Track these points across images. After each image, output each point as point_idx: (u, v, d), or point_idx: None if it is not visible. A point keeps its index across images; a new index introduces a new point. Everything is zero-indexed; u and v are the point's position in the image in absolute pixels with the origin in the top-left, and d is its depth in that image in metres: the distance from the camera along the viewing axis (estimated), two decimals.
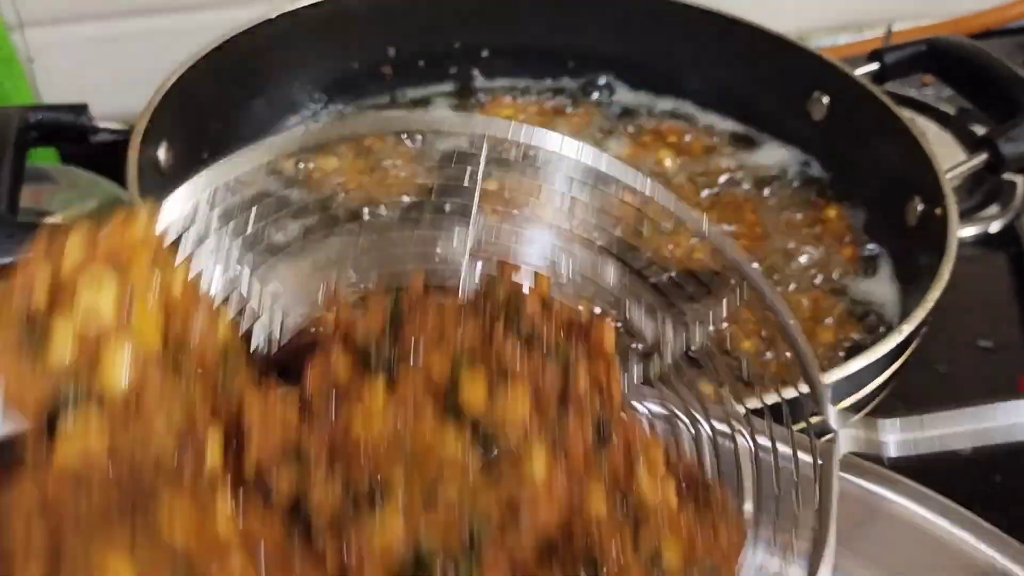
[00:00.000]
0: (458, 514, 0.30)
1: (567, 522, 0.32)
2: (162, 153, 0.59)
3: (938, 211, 0.58)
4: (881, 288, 0.63)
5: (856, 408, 0.53)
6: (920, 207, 0.62)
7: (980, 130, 0.70)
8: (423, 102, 0.75)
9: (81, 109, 0.58)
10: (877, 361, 0.50)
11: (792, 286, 0.63)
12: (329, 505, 0.31)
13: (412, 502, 0.30)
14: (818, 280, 0.63)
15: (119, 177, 0.64)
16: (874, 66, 0.70)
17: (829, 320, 0.60)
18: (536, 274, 0.37)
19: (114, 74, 0.77)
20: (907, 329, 0.50)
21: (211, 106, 0.65)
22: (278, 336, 0.36)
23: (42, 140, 0.56)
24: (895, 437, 0.35)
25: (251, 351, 0.35)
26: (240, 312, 0.35)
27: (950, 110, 0.82)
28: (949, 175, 0.60)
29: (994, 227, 0.71)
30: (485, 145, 0.37)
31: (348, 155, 0.67)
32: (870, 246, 0.66)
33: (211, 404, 0.31)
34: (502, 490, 0.31)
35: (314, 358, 0.34)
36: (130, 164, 0.54)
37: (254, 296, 0.36)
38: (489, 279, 0.37)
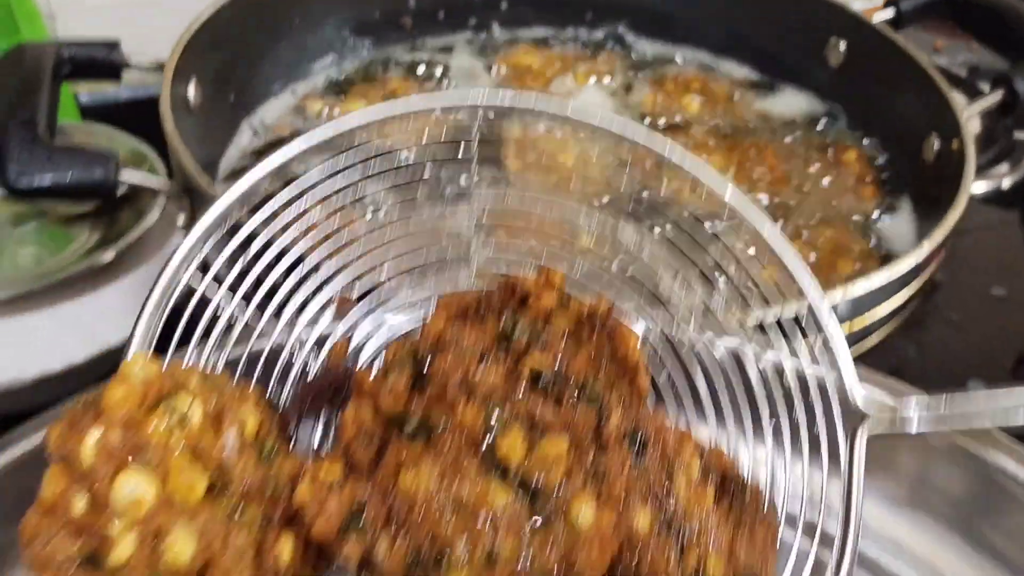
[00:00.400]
0: (517, 569, 0.32)
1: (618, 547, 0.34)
2: (191, 91, 0.62)
3: (955, 144, 0.61)
4: (900, 226, 0.66)
5: (873, 327, 0.56)
6: (937, 144, 0.65)
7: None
8: (445, 50, 0.78)
9: (113, 45, 0.61)
10: (897, 280, 0.53)
11: (813, 225, 0.65)
12: (396, 564, 0.33)
13: (473, 561, 0.32)
14: (838, 220, 0.66)
15: (139, 132, 0.67)
16: (889, 12, 0.72)
17: (849, 255, 0.63)
18: (548, 270, 0.38)
19: (135, 32, 0.80)
20: (928, 247, 0.53)
21: (237, 50, 0.67)
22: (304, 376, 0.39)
23: (76, 74, 0.59)
24: (919, 414, 0.37)
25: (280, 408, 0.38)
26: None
27: (962, 73, 0.85)
28: (966, 113, 0.63)
29: (1006, 183, 0.74)
30: (480, 114, 0.38)
31: (376, 100, 0.70)
32: (889, 186, 0.68)
33: (263, 506, 0.34)
34: (554, 541, 0.33)
35: (346, 410, 0.36)
36: (163, 98, 0.57)
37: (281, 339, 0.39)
38: (504, 298, 0.38)
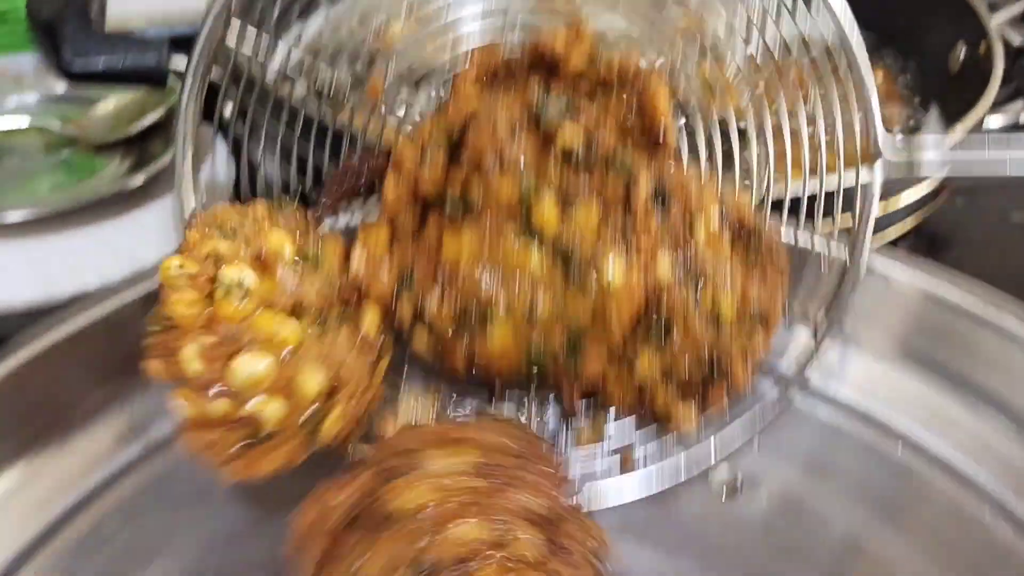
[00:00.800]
0: (555, 323, 0.37)
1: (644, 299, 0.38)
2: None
3: (982, 48, 0.65)
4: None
5: (897, 216, 0.59)
6: (963, 52, 0.68)
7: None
8: None
9: None
10: None
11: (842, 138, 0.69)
12: (445, 321, 0.38)
13: (515, 317, 0.37)
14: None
15: None
16: None
17: None
18: (579, 23, 0.39)
19: None
20: (961, 130, 0.57)
21: None
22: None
23: None
24: (934, 155, 0.40)
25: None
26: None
27: None
28: (993, 21, 0.67)
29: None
30: None
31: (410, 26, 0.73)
32: (917, 99, 0.72)
33: (337, 301, 0.38)
34: (588, 298, 0.36)
35: (385, 182, 0.39)
36: None
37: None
38: (532, 61, 0.40)
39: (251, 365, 0.36)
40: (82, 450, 0.46)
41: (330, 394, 0.38)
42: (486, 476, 0.34)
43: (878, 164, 0.41)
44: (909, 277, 0.47)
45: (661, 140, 0.38)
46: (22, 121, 0.77)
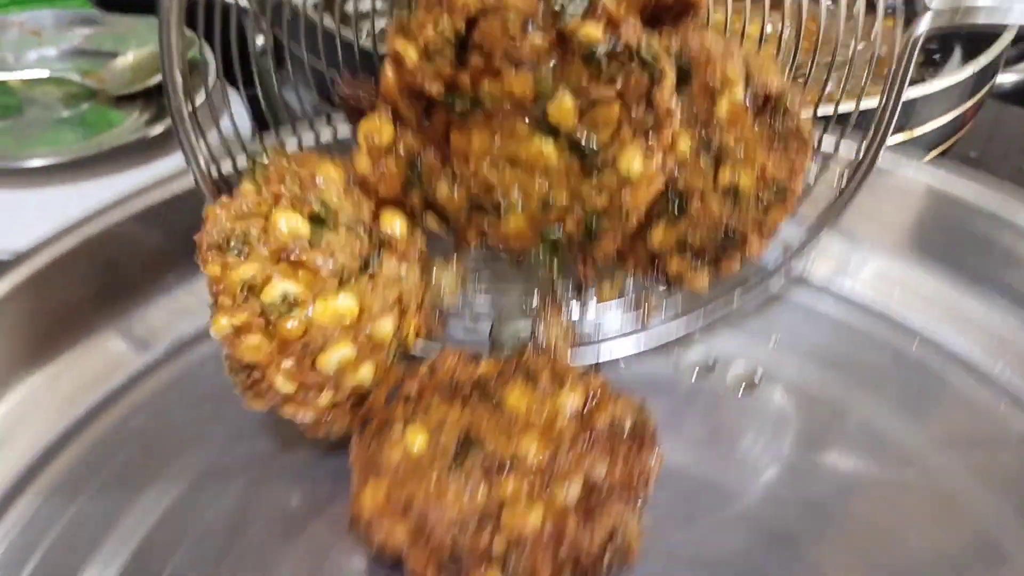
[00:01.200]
0: (570, 210, 0.38)
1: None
2: None
3: None
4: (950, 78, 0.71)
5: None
6: None
7: None
8: None
9: None
10: (954, 87, 0.58)
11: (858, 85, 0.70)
12: (458, 208, 0.39)
13: (529, 208, 0.38)
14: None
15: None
16: None
17: None
18: None
19: None
20: (984, 60, 0.59)
21: None
22: None
23: None
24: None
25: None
26: None
27: None
28: None
29: None
30: None
31: None
32: (937, 45, 0.74)
33: (364, 231, 0.39)
34: (604, 187, 0.37)
35: (382, 75, 0.37)
36: None
37: None
38: None
39: (334, 358, 0.38)
40: (107, 350, 0.48)
41: (401, 315, 0.40)
42: (587, 434, 0.36)
43: (927, 15, 0.41)
44: (924, 176, 0.48)
45: (688, 8, 0.38)
46: (42, 73, 0.79)
